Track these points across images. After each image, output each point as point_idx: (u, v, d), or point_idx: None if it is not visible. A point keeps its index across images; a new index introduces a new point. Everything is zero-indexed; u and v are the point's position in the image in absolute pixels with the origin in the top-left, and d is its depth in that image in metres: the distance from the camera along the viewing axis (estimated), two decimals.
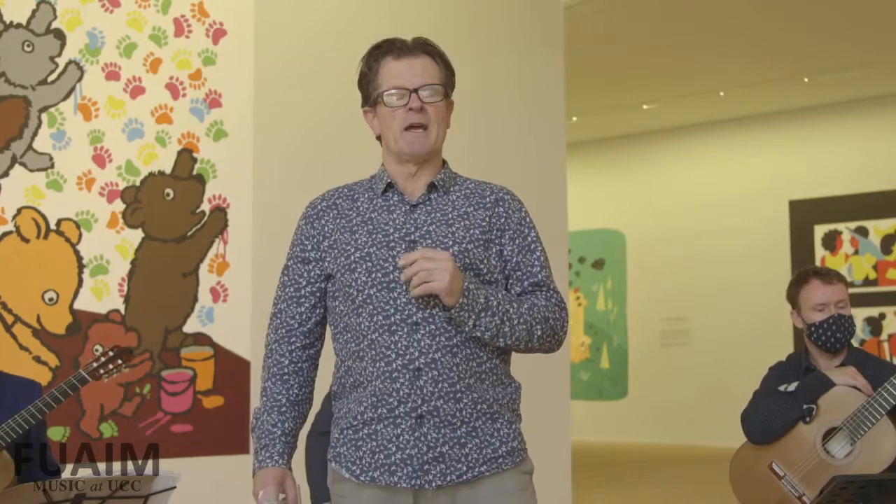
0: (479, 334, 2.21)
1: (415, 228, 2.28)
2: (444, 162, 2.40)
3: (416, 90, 2.28)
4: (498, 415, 2.28)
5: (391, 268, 2.23)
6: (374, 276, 2.24)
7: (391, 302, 2.22)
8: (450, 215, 2.30)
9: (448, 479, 2.22)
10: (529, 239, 2.36)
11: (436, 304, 2.21)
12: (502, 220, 2.34)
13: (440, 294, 2.16)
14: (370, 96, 2.34)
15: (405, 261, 2.17)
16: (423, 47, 2.34)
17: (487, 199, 2.35)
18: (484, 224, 2.31)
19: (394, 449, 2.21)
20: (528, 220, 2.39)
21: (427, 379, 2.19)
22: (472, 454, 2.23)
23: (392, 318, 2.22)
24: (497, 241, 2.33)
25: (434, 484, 2.21)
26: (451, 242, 2.26)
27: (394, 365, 2.21)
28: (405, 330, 2.21)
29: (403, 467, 2.21)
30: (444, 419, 2.21)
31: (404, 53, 2.31)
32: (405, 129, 2.28)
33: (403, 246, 2.25)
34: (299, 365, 2.35)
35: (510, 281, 2.34)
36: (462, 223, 2.29)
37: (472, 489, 2.24)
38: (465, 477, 2.23)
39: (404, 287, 2.21)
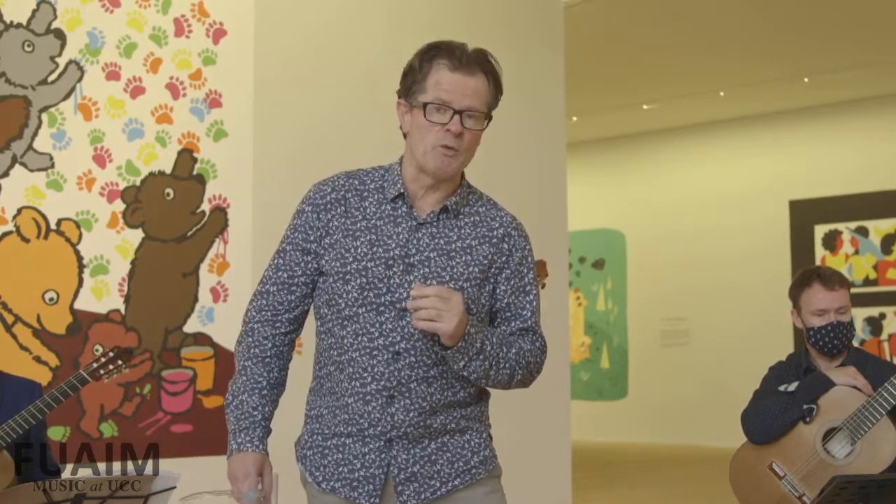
0: (465, 374, 2.20)
1: (416, 251, 2.23)
2: (463, 176, 2.33)
3: (460, 112, 2.19)
4: (467, 428, 2.28)
5: (384, 289, 2.20)
6: (365, 294, 2.21)
7: (377, 326, 2.20)
8: (453, 245, 2.25)
9: (423, 496, 2.22)
10: (526, 280, 2.33)
11: (423, 335, 2.18)
12: (504, 257, 2.30)
13: (441, 336, 2.13)
14: (410, 93, 2.25)
15: (418, 293, 2.11)
16: (482, 64, 2.23)
17: (495, 233, 2.30)
18: (485, 262, 2.27)
19: (358, 465, 2.21)
20: (529, 259, 2.35)
21: (399, 406, 2.19)
22: (445, 469, 2.24)
23: (375, 343, 2.20)
24: (493, 280, 2.29)
25: (410, 503, 2.22)
26: (448, 277, 2.22)
27: (368, 388, 2.20)
28: (386, 357, 2.19)
29: (365, 485, 2.21)
30: (413, 440, 2.21)
31: (460, 66, 2.20)
32: (436, 147, 2.21)
33: (401, 267, 2.21)
34: (280, 349, 2.34)
35: (497, 318, 2.31)
36: (463, 258, 2.25)
37: (445, 502, 2.25)
38: (439, 493, 2.23)
39: (392, 312, 2.19)
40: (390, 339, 2.19)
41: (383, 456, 2.20)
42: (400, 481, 2.20)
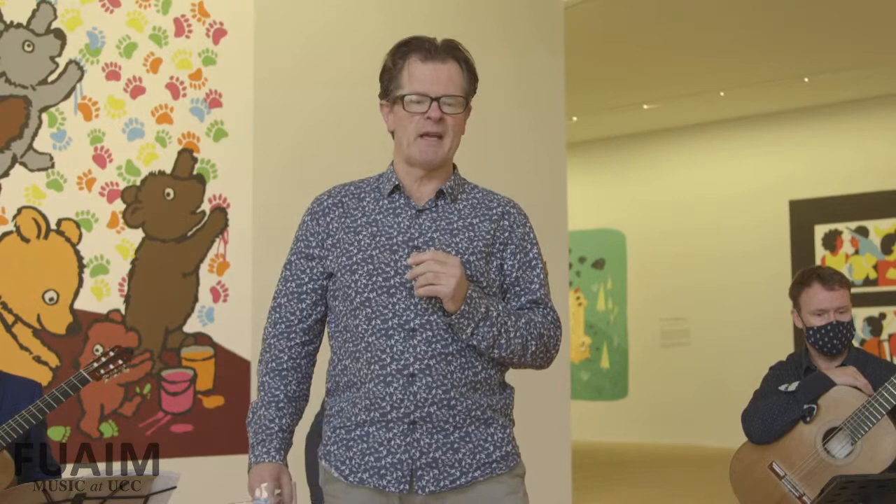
0: (475, 343, 2.21)
1: (419, 234, 2.27)
2: (455, 167, 2.38)
3: (437, 99, 2.25)
4: (492, 420, 2.27)
5: (392, 272, 2.22)
6: (374, 279, 2.23)
7: (390, 306, 2.22)
8: (455, 224, 2.29)
9: (441, 484, 2.21)
10: (531, 255, 2.36)
11: (436, 308, 2.20)
12: (506, 233, 2.33)
13: (443, 299, 2.16)
14: (389, 92, 2.31)
15: (414, 259, 2.16)
16: (452, 52, 2.30)
17: (494, 212, 2.34)
18: (488, 237, 2.30)
19: (384, 452, 2.21)
20: (531, 235, 2.38)
21: (421, 385, 2.19)
22: (466, 459, 2.23)
23: (389, 323, 2.21)
24: (499, 255, 2.32)
25: (427, 490, 2.20)
26: (453, 252, 2.24)
27: (388, 369, 2.20)
28: (401, 335, 2.20)
29: (393, 471, 2.20)
30: (436, 425, 2.20)
31: (431, 56, 2.27)
32: (419, 136, 2.26)
33: (406, 251, 2.24)
34: (298, 361, 2.34)
35: (508, 295, 2.33)
36: (466, 234, 2.28)
37: (464, 494, 2.24)
38: (458, 482, 2.22)
39: (403, 293, 2.21)
40: (404, 317, 2.21)
41: (408, 440, 2.19)
42: (420, 466, 2.19)
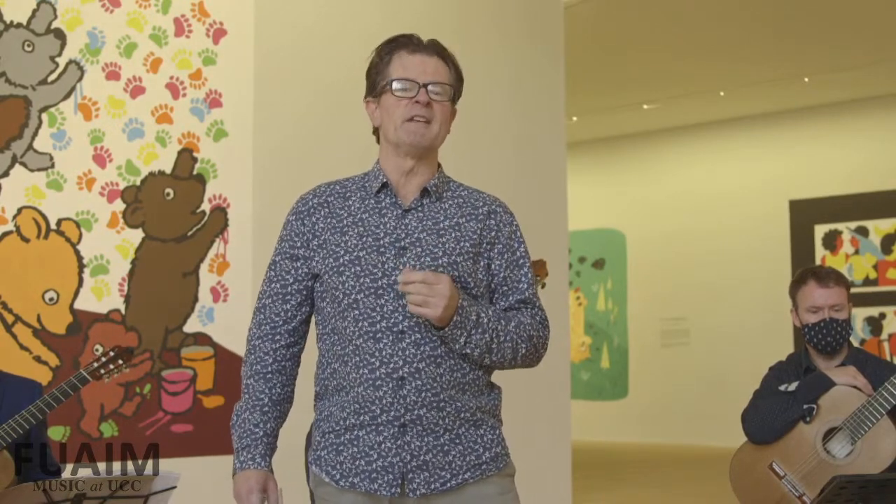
0: (468, 351, 2.20)
1: (405, 234, 2.26)
2: (439, 165, 2.38)
3: (425, 85, 2.26)
4: (481, 421, 2.27)
5: (380, 273, 2.21)
6: (362, 280, 2.22)
7: (378, 308, 2.20)
8: (441, 224, 2.28)
9: (432, 487, 2.21)
10: (518, 254, 2.35)
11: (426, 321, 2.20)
12: (493, 233, 2.33)
13: (431, 320, 2.16)
14: (376, 86, 2.32)
15: (405, 278, 2.15)
16: (438, 50, 2.33)
17: (480, 211, 2.33)
18: (475, 237, 2.30)
19: (375, 456, 2.20)
20: (518, 234, 2.37)
21: (410, 388, 2.18)
22: (456, 461, 2.23)
23: (378, 325, 2.20)
24: (486, 255, 2.31)
25: (418, 493, 2.20)
26: (440, 253, 2.24)
27: (377, 373, 2.19)
28: (390, 338, 2.19)
29: (384, 475, 2.19)
30: (427, 427, 2.19)
31: (419, 49, 2.30)
32: (407, 120, 2.26)
33: (393, 252, 2.23)
34: (283, 363, 2.33)
35: (495, 295, 2.32)
36: (453, 234, 2.28)
37: (455, 496, 2.23)
38: (449, 485, 2.22)
39: (391, 294, 2.20)
40: (392, 319, 2.20)
41: (399, 443, 2.18)
42: (411, 469, 2.19)
